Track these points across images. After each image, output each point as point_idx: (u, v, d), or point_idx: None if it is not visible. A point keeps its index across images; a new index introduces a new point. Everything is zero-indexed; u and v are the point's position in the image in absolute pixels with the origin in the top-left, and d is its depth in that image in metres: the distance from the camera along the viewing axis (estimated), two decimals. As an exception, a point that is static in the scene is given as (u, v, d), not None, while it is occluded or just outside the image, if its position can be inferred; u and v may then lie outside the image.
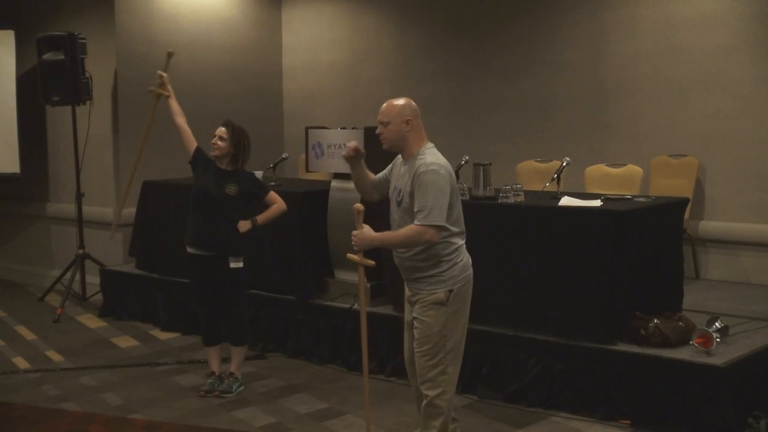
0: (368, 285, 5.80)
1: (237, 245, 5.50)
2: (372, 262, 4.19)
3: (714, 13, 6.98)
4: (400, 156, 4.21)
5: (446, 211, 3.98)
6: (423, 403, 4.18)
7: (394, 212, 4.18)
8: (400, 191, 4.11)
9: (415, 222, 3.96)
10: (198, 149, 5.63)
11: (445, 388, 4.12)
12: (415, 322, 4.18)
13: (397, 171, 4.22)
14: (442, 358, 4.10)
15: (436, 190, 3.94)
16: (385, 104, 4.15)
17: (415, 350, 4.18)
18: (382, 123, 4.13)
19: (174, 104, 5.76)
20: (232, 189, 5.47)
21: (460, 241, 4.11)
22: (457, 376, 4.22)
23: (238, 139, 5.50)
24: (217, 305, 5.59)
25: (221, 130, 5.49)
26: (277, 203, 5.65)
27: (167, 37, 8.65)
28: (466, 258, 4.14)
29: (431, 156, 4.05)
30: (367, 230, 4.13)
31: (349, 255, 4.28)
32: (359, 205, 4.18)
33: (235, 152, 5.49)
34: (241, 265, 5.51)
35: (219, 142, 5.46)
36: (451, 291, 4.07)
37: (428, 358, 4.12)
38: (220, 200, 5.45)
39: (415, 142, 4.11)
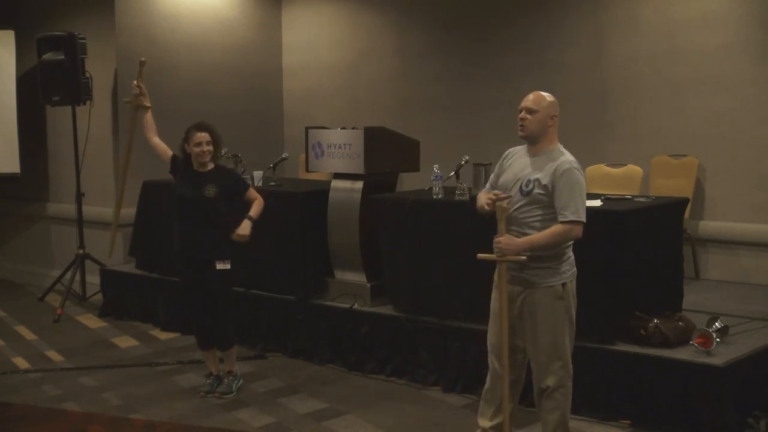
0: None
1: (223, 248, 5.38)
2: (524, 258, 4.07)
3: (714, 13, 6.98)
4: (513, 150, 4.33)
5: (585, 209, 4.10)
6: (540, 398, 4.22)
7: (516, 202, 4.13)
8: (528, 181, 4.12)
9: (562, 219, 4.01)
10: (174, 156, 5.52)
11: (564, 383, 4.17)
12: (530, 319, 4.15)
13: (516, 162, 4.25)
14: (563, 352, 4.15)
15: (581, 189, 4.07)
16: (533, 94, 4.27)
17: (534, 348, 4.17)
18: (528, 110, 4.23)
19: (151, 119, 5.64)
20: (211, 191, 5.33)
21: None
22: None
23: (215, 135, 5.40)
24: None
25: (205, 136, 5.32)
26: (258, 199, 5.52)
27: (167, 37, 8.66)
28: (572, 254, 4.21)
29: (570, 156, 4.16)
30: (510, 237, 4.09)
31: (483, 255, 4.17)
32: (506, 205, 4.11)
33: (215, 152, 5.42)
34: (228, 267, 5.39)
35: (209, 147, 5.34)
36: (564, 284, 4.12)
37: (550, 352, 4.14)
38: (200, 204, 5.33)
39: (550, 139, 4.21)
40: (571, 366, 4.20)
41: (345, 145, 6.26)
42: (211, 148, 5.36)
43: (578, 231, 4.04)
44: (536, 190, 4.08)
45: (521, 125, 4.21)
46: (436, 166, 5.91)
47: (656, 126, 7.30)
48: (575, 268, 4.20)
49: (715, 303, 6.05)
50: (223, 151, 7.34)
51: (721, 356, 4.76)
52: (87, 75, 7.95)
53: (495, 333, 4.28)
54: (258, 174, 6.97)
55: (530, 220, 4.10)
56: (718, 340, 4.90)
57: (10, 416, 5.28)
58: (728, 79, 6.92)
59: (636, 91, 7.39)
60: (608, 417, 4.92)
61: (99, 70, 8.17)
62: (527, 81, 7.95)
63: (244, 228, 5.40)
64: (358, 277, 6.25)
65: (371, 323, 6.01)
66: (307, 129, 6.61)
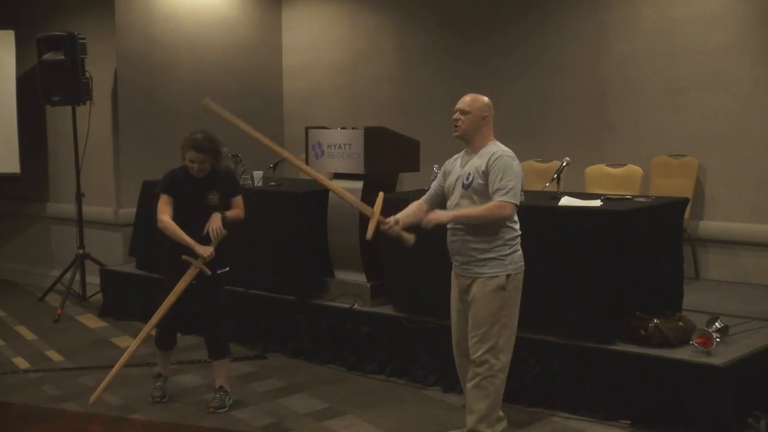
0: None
1: (224, 256, 5.29)
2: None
3: (714, 13, 6.98)
4: (452, 158, 4.50)
5: (519, 194, 4.24)
6: (469, 384, 4.32)
7: (458, 197, 4.36)
8: (469, 174, 4.31)
9: (496, 198, 4.18)
10: (165, 187, 5.25)
11: (495, 373, 4.28)
12: (472, 306, 4.32)
13: (457, 165, 4.44)
14: (496, 342, 4.26)
15: (515, 173, 4.23)
16: (468, 96, 4.40)
17: (470, 334, 4.32)
18: (462, 111, 4.35)
19: None
20: (214, 198, 5.23)
21: (519, 231, 4.33)
22: (508, 367, 4.35)
23: (216, 151, 5.23)
24: (185, 309, 5.36)
25: (198, 157, 5.15)
26: (240, 209, 5.34)
27: (167, 37, 8.66)
28: (521, 250, 4.34)
29: (505, 147, 4.33)
30: (434, 213, 4.33)
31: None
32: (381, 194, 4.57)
33: (216, 163, 5.24)
34: (227, 269, 5.33)
35: (202, 165, 5.18)
36: (509, 276, 4.26)
37: (485, 340, 4.27)
38: (203, 212, 5.20)
39: (485, 137, 4.37)
40: (502, 357, 4.30)
41: (345, 145, 6.26)
42: (204, 165, 5.19)
43: (510, 210, 4.21)
44: (476, 181, 4.27)
45: (455, 126, 4.38)
46: (436, 166, 5.89)
47: (656, 126, 7.30)
48: (522, 263, 4.34)
49: (715, 303, 6.05)
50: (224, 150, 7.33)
51: (721, 356, 4.76)
52: (87, 75, 7.95)
53: (455, 329, 4.53)
54: (258, 174, 6.97)
55: None
56: (718, 340, 4.90)
57: (10, 416, 5.28)
58: (728, 79, 6.92)
59: (636, 91, 7.39)
60: (608, 417, 4.91)
61: (99, 70, 8.17)
62: (527, 81, 7.97)
63: (215, 219, 5.17)
64: (358, 277, 6.25)
65: (371, 323, 6.01)
66: (307, 129, 6.61)
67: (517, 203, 4.23)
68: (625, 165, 7.21)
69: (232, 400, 5.37)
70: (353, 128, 6.31)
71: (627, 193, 6.19)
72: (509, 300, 4.29)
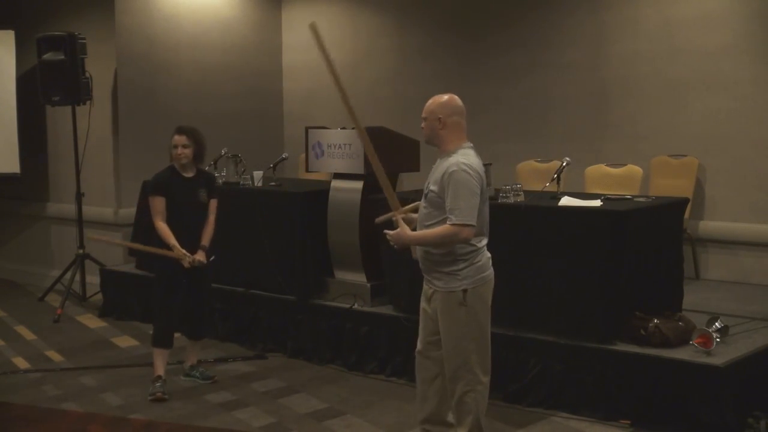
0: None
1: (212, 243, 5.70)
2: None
3: (714, 13, 6.98)
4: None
5: (476, 211, 4.03)
6: (453, 401, 4.23)
7: (422, 205, 4.23)
8: (428, 184, 4.17)
9: (449, 222, 4.00)
10: (156, 189, 5.51)
11: (473, 387, 4.16)
12: (439, 321, 4.21)
13: (433, 169, 4.27)
14: (467, 357, 4.14)
15: (469, 190, 3.99)
16: (430, 99, 4.19)
17: (444, 351, 4.22)
18: (423, 118, 4.20)
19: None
20: (203, 195, 5.62)
21: (479, 244, 4.13)
22: (488, 377, 4.22)
23: (199, 138, 5.57)
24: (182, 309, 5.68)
25: (181, 139, 5.51)
26: (214, 214, 5.70)
27: (167, 37, 8.66)
28: (484, 259, 4.15)
29: (463, 156, 4.08)
30: (402, 230, 4.17)
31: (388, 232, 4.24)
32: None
33: (198, 152, 5.58)
34: (213, 257, 5.65)
35: (185, 150, 5.50)
36: (465, 291, 4.09)
37: (454, 356, 4.17)
38: (197, 208, 5.60)
39: (451, 140, 4.13)
40: (477, 370, 4.15)
41: (345, 145, 6.26)
42: (188, 151, 5.51)
43: (467, 233, 3.99)
44: (431, 192, 4.12)
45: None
46: (436, 166, 5.91)
47: (656, 126, 7.30)
48: (485, 274, 4.13)
49: (715, 303, 6.05)
50: (223, 152, 7.38)
51: (721, 356, 4.76)
52: (87, 75, 7.95)
53: (420, 328, 4.37)
54: (258, 174, 6.97)
55: (428, 222, 4.14)
56: (718, 340, 4.90)
57: (10, 416, 5.28)
58: (728, 79, 6.92)
59: (636, 91, 7.40)
60: (608, 417, 4.92)
61: (99, 70, 8.17)
62: (527, 81, 7.97)
63: (202, 257, 5.53)
64: (358, 277, 6.25)
65: (371, 323, 6.01)
66: (307, 129, 6.61)
67: (473, 223, 3.97)
68: (625, 165, 7.21)
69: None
70: (353, 128, 6.30)
71: (627, 193, 6.19)
72: (473, 314, 4.12)
